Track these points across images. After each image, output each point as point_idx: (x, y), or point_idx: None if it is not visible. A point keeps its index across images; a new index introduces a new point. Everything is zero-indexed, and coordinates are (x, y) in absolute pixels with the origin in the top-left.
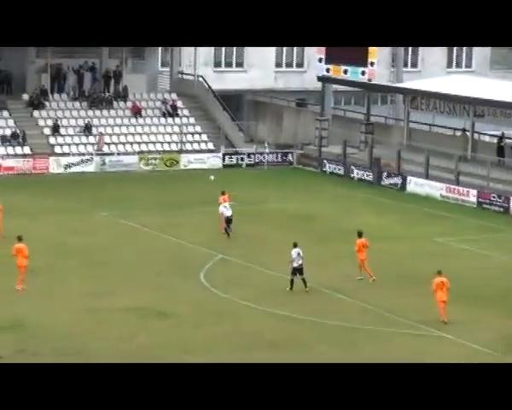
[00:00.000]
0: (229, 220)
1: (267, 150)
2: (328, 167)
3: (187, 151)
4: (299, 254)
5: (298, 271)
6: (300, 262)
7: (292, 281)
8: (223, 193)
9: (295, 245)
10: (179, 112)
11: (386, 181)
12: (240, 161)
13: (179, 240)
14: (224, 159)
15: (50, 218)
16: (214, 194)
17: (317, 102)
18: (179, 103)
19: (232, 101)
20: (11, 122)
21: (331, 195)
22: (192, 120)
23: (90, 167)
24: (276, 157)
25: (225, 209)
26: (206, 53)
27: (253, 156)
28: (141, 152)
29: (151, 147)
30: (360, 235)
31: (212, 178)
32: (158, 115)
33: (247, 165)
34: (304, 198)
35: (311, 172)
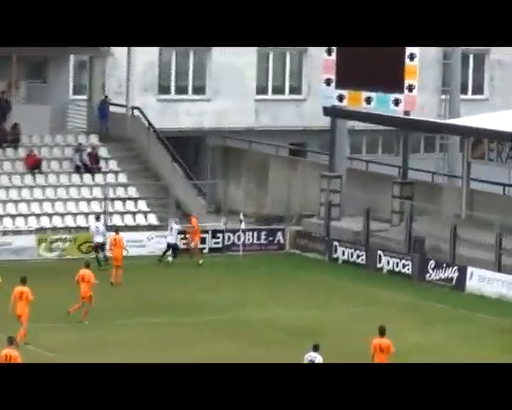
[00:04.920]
0: (169, 247)
1: (243, 226)
2: (342, 253)
3: (115, 228)
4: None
5: None
6: None
7: None
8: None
9: (315, 348)
10: (102, 165)
11: (433, 275)
12: (200, 244)
13: None
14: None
15: None
16: (162, 296)
17: (323, 148)
18: (103, 151)
19: (188, 147)
20: None
21: (348, 298)
22: (123, 177)
23: None
24: (258, 238)
25: (170, 234)
26: (145, 72)
27: (220, 236)
28: (41, 230)
29: (57, 221)
30: (382, 332)
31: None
32: (68, 171)
33: (212, 250)
34: (305, 303)
35: (313, 261)
